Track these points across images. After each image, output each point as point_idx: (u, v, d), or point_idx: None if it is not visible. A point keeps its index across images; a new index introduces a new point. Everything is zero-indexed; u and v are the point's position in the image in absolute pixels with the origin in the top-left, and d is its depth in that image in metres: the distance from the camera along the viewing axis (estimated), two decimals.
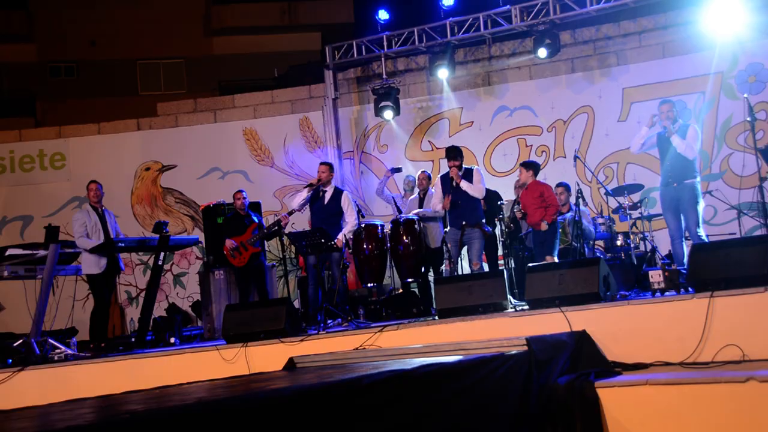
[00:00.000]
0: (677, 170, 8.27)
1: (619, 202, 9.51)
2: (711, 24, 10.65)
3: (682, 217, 8.28)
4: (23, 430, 3.50)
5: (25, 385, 7.38)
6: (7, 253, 8.52)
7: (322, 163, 9.62)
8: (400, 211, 9.90)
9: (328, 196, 9.35)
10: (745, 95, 9.01)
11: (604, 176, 12.03)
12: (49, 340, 8.40)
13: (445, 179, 9.07)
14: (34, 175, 13.90)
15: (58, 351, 8.25)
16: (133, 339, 8.95)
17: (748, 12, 10.31)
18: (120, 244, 9.03)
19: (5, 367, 7.75)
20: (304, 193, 9.34)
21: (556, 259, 8.66)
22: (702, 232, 8.21)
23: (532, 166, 9.29)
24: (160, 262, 8.97)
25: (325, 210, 9.29)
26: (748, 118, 8.55)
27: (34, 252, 8.55)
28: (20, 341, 8.31)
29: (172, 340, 9.56)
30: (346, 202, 9.30)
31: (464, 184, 8.86)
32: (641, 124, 11.89)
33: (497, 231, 9.49)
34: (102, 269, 8.99)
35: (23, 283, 8.94)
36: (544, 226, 8.80)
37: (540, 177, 10.98)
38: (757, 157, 8.57)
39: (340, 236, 9.11)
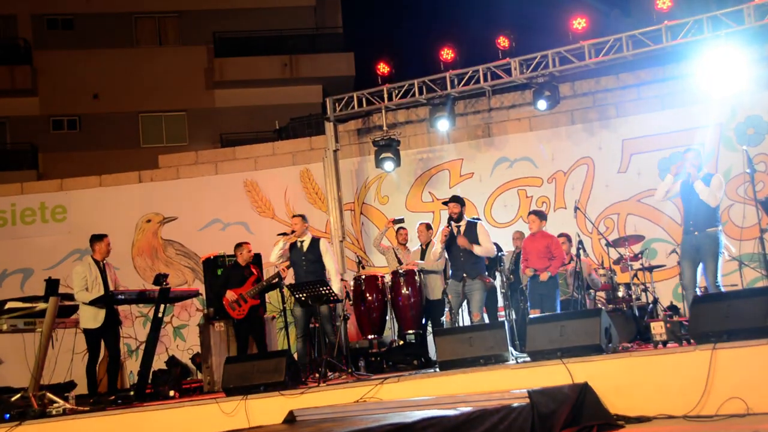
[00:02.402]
0: (700, 218, 8.21)
1: (620, 253, 9.51)
2: (709, 77, 10.73)
3: (701, 267, 8.22)
4: None
5: None
6: (7, 307, 8.48)
7: (294, 216, 9.67)
8: (400, 263, 9.89)
9: (305, 246, 9.35)
10: (745, 147, 9.06)
11: (604, 227, 12.04)
12: (48, 394, 8.33)
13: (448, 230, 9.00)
14: (35, 228, 13.92)
15: (56, 405, 8.16)
16: (132, 392, 8.86)
17: (745, 65, 10.40)
18: (120, 296, 9.01)
19: (3, 422, 7.67)
20: (279, 244, 9.36)
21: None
22: (720, 283, 8.15)
23: (543, 216, 9.33)
24: (160, 315, 8.93)
25: (305, 260, 9.28)
26: (748, 170, 8.58)
27: (34, 305, 8.52)
28: (18, 395, 8.23)
29: (172, 393, 9.47)
30: (324, 248, 9.30)
31: (477, 249, 8.81)
32: (641, 175, 12.05)
33: (497, 282, 9.47)
34: (100, 323, 8.93)
35: (22, 337, 8.88)
36: (545, 276, 8.79)
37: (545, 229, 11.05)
38: (757, 209, 8.58)
39: (335, 280, 9.10)
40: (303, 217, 9.56)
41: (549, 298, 8.93)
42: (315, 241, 9.41)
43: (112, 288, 9.09)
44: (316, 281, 8.91)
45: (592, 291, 9.29)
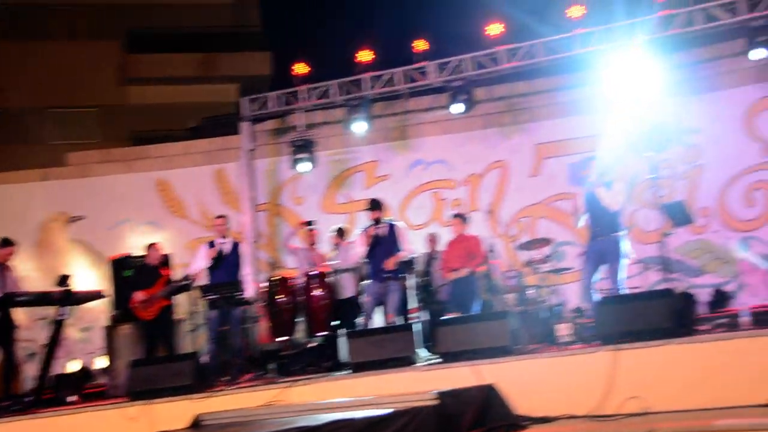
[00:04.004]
0: (604, 223, 8.44)
1: (529, 256, 9.66)
2: (617, 84, 11.02)
3: (604, 269, 8.42)
4: None
5: None
6: None
7: (218, 217, 9.57)
8: (313, 264, 9.85)
9: (228, 248, 9.27)
10: (649, 153, 9.32)
11: (516, 230, 12.23)
12: None
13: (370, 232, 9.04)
14: None
15: None
16: (29, 398, 8.54)
17: (652, 73, 10.71)
18: (19, 298, 8.67)
19: None
20: (202, 252, 9.29)
21: None
22: (623, 286, 8.36)
23: (466, 219, 9.47)
24: (62, 317, 8.65)
25: (225, 262, 9.20)
26: (651, 176, 8.83)
27: None
28: None
29: (73, 398, 9.19)
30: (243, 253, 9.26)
31: (403, 256, 8.91)
32: (553, 179, 12.28)
33: (410, 284, 9.52)
34: None
35: None
36: (465, 272, 8.93)
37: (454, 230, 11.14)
38: (659, 213, 8.83)
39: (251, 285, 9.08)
40: (226, 217, 9.52)
41: (469, 299, 9.04)
42: (236, 245, 9.32)
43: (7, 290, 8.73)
44: (228, 283, 8.82)
45: (501, 293, 9.41)
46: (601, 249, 8.43)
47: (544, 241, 9.82)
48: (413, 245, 9.47)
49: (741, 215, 11.39)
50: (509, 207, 12.52)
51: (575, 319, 8.30)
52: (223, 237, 9.34)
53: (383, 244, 8.96)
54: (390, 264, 8.83)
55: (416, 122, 13.27)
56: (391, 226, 9.09)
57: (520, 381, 6.57)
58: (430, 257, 10.44)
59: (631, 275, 9.34)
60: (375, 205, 9.12)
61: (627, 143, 11.86)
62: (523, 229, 12.30)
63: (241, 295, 8.75)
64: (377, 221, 9.01)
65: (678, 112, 11.70)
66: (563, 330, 7.45)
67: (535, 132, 12.63)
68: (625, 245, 8.43)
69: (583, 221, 8.69)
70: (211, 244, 9.31)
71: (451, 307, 9.15)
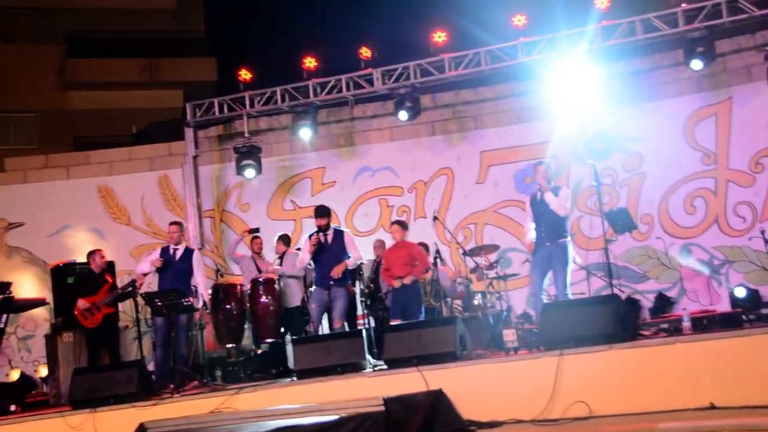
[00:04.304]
0: (551, 229, 8.55)
1: (476, 262, 9.73)
2: (562, 93, 11.17)
3: (550, 276, 8.52)
4: None
5: None
6: None
7: (171, 224, 9.49)
8: (259, 271, 9.80)
9: (179, 254, 9.19)
10: (592, 161, 9.47)
11: (462, 237, 12.31)
12: None
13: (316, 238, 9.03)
14: None
15: None
16: None
17: (594, 82, 10.90)
18: None
19: None
20: (149, 257, 9.20)
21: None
22: (569, 291, 8.48)
23: (405, 226, 9.50)
24: (2, 325, 8.48)
25: (176, 269, 9.11)
26: (594, 183, 8.98)
27: None
28: None
29: (13, 407, 8.98)
30: (197, 260, 9.17)
31: (351, 263, 8.98)
32: (498, 186, 12.41)
33: (357, 290, 9.52)
34: None
35: None
36: (409, 280, 8.94)
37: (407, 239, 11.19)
38: (603, 220, 8.98)
39: (203, 293, 8.99)
40: (180, 224, 9.42)
41: (413, 306, 9.06)
42: (188, 252, 9.24)
43: None
44: (173, 290, 8.73)
45: (448, 299, 9.47)
46: (548, 255, 8.54)
47: (491, 248, 9.91)
48: (360, 252, 9.48)
49: (682, 222, 11.61)
50: (456, 214, 12.59)
51: (522, 324, 8.41)
52: (176, 244, 9.25)
53: (330, 251, 8.97)
54: (336, 272, 8.83)
55: (363, 129, 13.28)
56: (338, 233, 9.10)
57: (467, 386, 6.63)
58: (377, 264, 10.45)
59: (575, 281, 9.47)
60: (322, 212, 9.12)
61: (570, 151, 12.04)
62: (470, 235, 12.40)
63: (187, 302, 8.65)
64: (324, 228, 9.01)
65: (620, 121, 11.90)
66: (510, 336, 7.51)
67: (481, 139, 12.73)
68: (571, 251, 8.56)
69: (531, 229, 8.78)
70: (165, 250, 9.22)
71: (396, 314, 9.18)
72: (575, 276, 9.78)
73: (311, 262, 9.13)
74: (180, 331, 8.87)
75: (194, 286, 9.14)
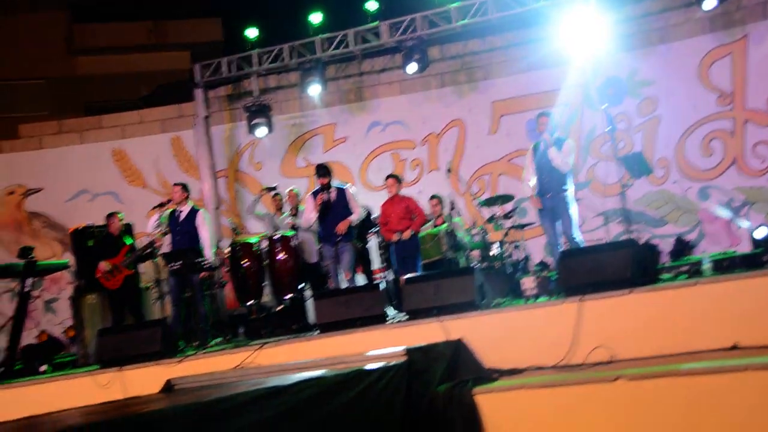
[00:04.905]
0: (552, 181, 8.59)
1: (491, 213, 9.74)
2: (571, 39, 11.05)
3: (559, 224, 8.59)
4: None
5: None
6: None
7: (175, 184, 9.51)
8: (277, 229, 9.85)
9: (183, 215, 9.23)
10: (605, 106, 9.42)
11: (476, 188, 12.31)
12: None
13: (318, 195, 9.12)
14: None
15: None
16: (0, 369, 8.51)
17: (605, 26, 10.76)
18: None
19: None
20: (155, 216, 9.24)
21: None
22: (578, 235, 8.55)
23: (400, 179, 9.59)
24: (26, 289, 8.59)
25: (180, 230, 9.16)
26: (608, 129, 8.94)
27: None
28: None
29: (43, 368, 9.17)
30: (200, 220, 9.19)
31: (354, 219, 9.09)
32: (511, 135, 12.36)
33: (373, 244, 9.57)
34: None
35: None
36: (408, 234, 9.04)
37: (415, 190, 11.23)
38: (618, 166, 8.95)
39: (208, 253, 9.04)
40: (184, 186, 9.42)
41: (411, 259, 9.17)
42: (193, 212, 9.27)
43: None
44: (188, 249, 8.79)
45: (465, 250, 9.49)
46: (552, 206, 8.60)
47: (506, 198, 9.91)
48: (374, 206, 9.55)
49: (699, 165, 11.56)
50: (469, 165, 12.58)
51: (540, 273, 8.40)
52: (180, 204, 9.27)
53: (334, 208, 9.06)
54: (341, 228, 8.93)
55: (372, 84, 13.23)
56: (341, 190, 9.18)
57: (487, 335, 6.67)
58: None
59: (593, 228, 9.52)
60: (323, 171, 9.22)
61: (582, 97, 11.96)
62: (484, 186, 12.40)
63: (202, 261, 8.73)
64: (326, 186, 9.09)
65: (632, 65, 11.81)
66: (528, 284, 7.54)
67: (491, 89, 12.66)
68: (573, 201, 8.59)
69: (533, 180, 8.80)
70: (173, 212, 9.26)
71: (398, 269, 9.27)
72: (593, 222, 9.88)
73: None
74: (196, 290, 8.96)
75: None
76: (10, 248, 12.69)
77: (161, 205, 9.28)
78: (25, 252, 8.62)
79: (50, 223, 13.13)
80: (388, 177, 9.84)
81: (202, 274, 9.02)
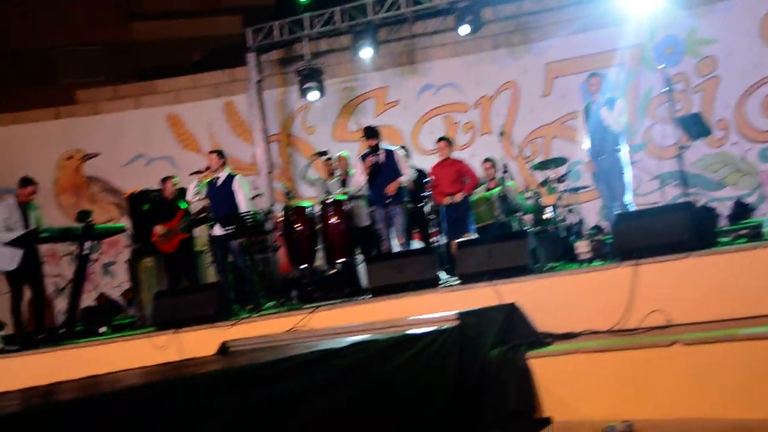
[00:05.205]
0: (605, 142, 8.46)
1: (545, 176, 9.64)
2: None
3: (613, 187, 8.48)
4: None
5: None
6: None
7: (210, 152, 9.55)
8: (329, 193, 9.86)
9: (220, 182, 9.28)
10: (663, 66, 9.21)
11: (530, 151, 12.18)
12: None
13: (367, 158, 9.12)
14: None
15: None
16: (61, 330, 8.74)
17: None
18: (43, 234, 8.79)
19: None
20: (194, 182, 9.31)
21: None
22: (629, 200, 8.42)
23: (451, 142, 9.52)
24: (85, 252, 8.76)
25: (218, 195, 9.23)
26: (666, 90, 8.74)
27: None
28: None
29: (102, 329, 9.38)
30: (237, 185, 9.22)
31: (404, 180, 9.04)
32: (565, 98, 12.18)
33: (425, 208, 9.54)
34: (17, 264, 8.69)
35: None
36: (459, 197, 8.98)
37: (467, 153, 11.15)
38: (676, 128, 8.77)
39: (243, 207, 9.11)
40: (219, 152, 9.46)
41: (462, 222, 9.12)
42: (229, 178, 9.32)
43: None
44: (232, 215, 8.86)
45: (518, 213, 9.42)
46: (606, 168, 8.47)
47: (559, 161, 9.79)
48: (425, 169, 9.51)
49: (759, 125, 11.26)
50: (522, 128, 12.45)
51: (594, 236, 8.30)
52: (217, 171, 9.32)
53: (383, 170, 9.03)
54: (391, 189, 8.91)
55: (424, 46, 13.11)
56: (389, 153, 9.15)
57: (541, 299, 6.61)
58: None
59: (649, 191, 9.36)
60: (371, 132, 9.18)
61: (639, 58, 11.71)
62: (538, 149, 12.26)
63: (256, 225, 8.80)
64: (375, 149, 9.06)
65: (691, 23, 11.51)
66: (582, 248, 7.46)
67: (545, 51, 12.47)
68: (626, 162, 8.44)
69: (586, 142, 8.67)
70: (211, 180, 9.33)
71: (449, 233, 9.23)
72: (649, 186, 9.70)
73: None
74: (236, 256, 9.05)
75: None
76: (69, 212, 12.99)
77: (199, 172, 9.35)
78: (84, 216, 8.78)
79: (107, 188, 13.37)
80: (439, 140, 9.79)
81: (253, 238, 9.09)
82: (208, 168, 9.27)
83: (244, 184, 9.32)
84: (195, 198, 9.29)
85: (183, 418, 3.55)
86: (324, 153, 10.23)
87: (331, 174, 10.13)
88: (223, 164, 9.32)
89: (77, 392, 4.30)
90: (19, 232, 8.67)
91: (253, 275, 9.05)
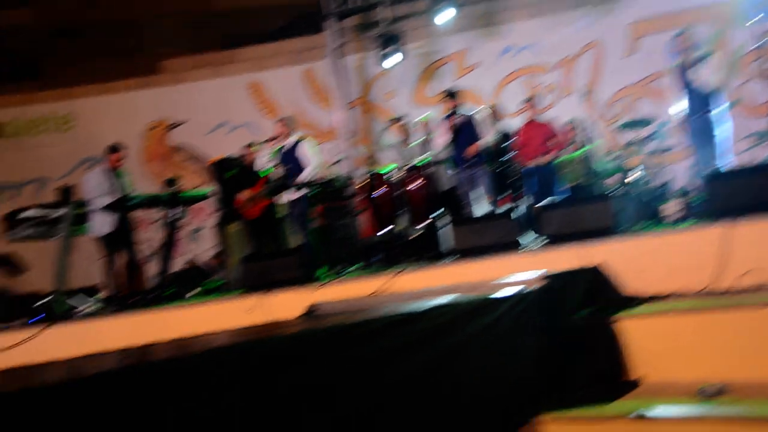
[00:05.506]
0: (695, 102, 8.24)
1: (630, 137, 9.44)
2: None
3: (703, 147, 8.27)
4: (52, 379, 3.53)
5: (51, 342, 7.41)
6: (23, 215, 8.57)
7: (277, 120, 9.65)
8: (406, 157, 9.86)
9: (289, 147, 9.34)
10: (754, 21, 8.89)
11: (614, 112, 11.93)
12: (72, 297, 8.48)
13: (447, 120, 9.09)
14: (45, 138, 13.94)
15: (80, 308, 8.32)
16: (153, 294, 8.99)
17: None
18: (132, 201, 9.04)
19: (33, 324, 7.80)
20: (265, 151, 9.40)
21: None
22: (722, 158, 8.22)
23: (539, 103, 9.38)
24: (173, 218, 8.97)
25: (289, 161, 9.32)
26: (757, 46, 8.45)
27: (50, 212, 8.59)
28: (44, 300, 8.37)
29: (192, 293, 9.62)
30: (302, 150, 9.30)
31: (483, 143, 8.96)
32: (649, 58, 11.86)
33: (508, 170, 9.47)
34: (112, 228, 8.97)
35: (44, 244, 9.03)
36: (546, 159, 8.88)
37: (549, 115, 10.97)
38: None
39: (304, 176, 9.14)
40: (287, 120, 9.55)
41: (548, 184, 9.01)
42: (298, 143, 9.38)
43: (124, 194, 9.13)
44: (318, 178, 8.98)
45: (603, 175, 9.27)
46: (696, 128, 8.24)
47: (645, 122, 9.56)
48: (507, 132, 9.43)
49: None
50: (606, 88, 12.20)
51: (682, 197, 8.12)
52: (286, 138, 9.39)
53: (464, 133, 8.98)
54: (471, 152, 8.85)
55: (504, 8, 12.93)
56: (470, 115, 9.10)
57: (627, 261, 6.50)
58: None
59: (741, 150, 9.08)
60: (451, 95, 9.14)
61: (729, 14, 11.32)
62: (622, 110, 12.00)
63: (336, 190, 8.91)
64: (455, 111, 9.02)
65: None
66: (670, 209, 7.31)
67: (629, 9, 12.16)
68: (719, 120, 8.20)
69: (676, 101, 8.46)
70: (281, 147, 9.43)
71: (536, 195, 9.13)
72: (740, 145, 9.35)
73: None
74: (298, 219, 9.16)
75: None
76: (157, 180, 13.30)
77: (269, 141, 9.45)
78: (170, 183, 8.98)
79: (192, 156, 13.64)
80: (526, 100, 9.67)
81: (335, 203, 9.19)
82: (277, 136, 9.38)
83: (312, 148, 9.41)
84: (267, 165, 9.45)
85: (270, 377, 3.62)
86: (400, 119, 10.22)
87: (407, 139, 10.11)
88: (291, 131, 9.42)
89: (170, 352, 4.42)
90: (112, 198, 8.93)
91: (313, 239, 9.15)
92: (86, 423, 2.81)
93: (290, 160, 9.33)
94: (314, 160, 9.35)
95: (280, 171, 9.48)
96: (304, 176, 9.29)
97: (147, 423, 3.00)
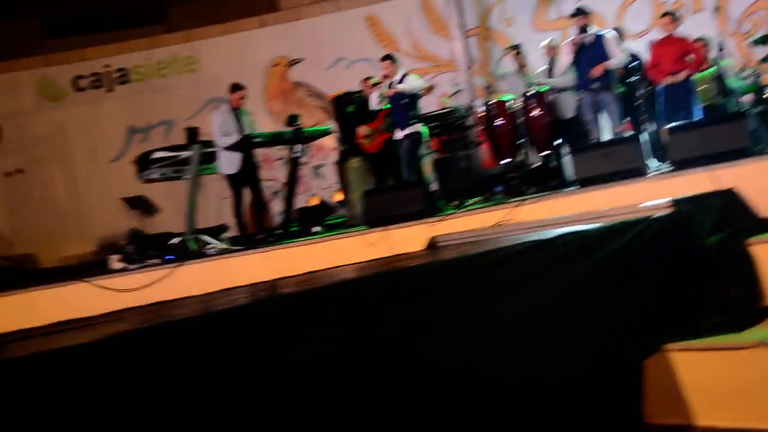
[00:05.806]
0: None
1: (765, 52, 8.93)
2: None
3: None
4: (186, 314, 3.69)
5: (184, 279, 7.74)
6: (154, 156, 8.90)
7: (381, 59, 9.43)
8: (525, 86, 9.64)
9: (395, 84, 9.20)
10: None
11: (748, 26, 11.28)
12: (203, 236, 8.79)
13: (577, 44, 8.76)
14: (171, 80, 14.38)
15: (210, 246, 8.61)
16: (279, 231, 9.22)
17: None
18: (256, 140, 9.21)
19: (166, 263, 8.15)
20: (375, 92, 9.36)
21: None
22: None
23: (677, 17, 8.92)
24: (296, 155, 9.11)
25: (396, 100, 9.20)
26: None
27: (178, 153, 8.88)
28: (176, 239, 8.71)
29: (316, 229, 9.81)
30: (407, 85, 9.11)
31: (612, 63, 8.60)
32: None
33: (638, 93, 9.13)
34: (237, 168, 9.18)
35: (175, 184, 9.38)
36: (682, 77, 8.46)
37: (678, 33, 10.47)
38: None
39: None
40: (392, 58, 9.40)
41: (684, 104, 8.60)
42: (403, 77, 9.28)
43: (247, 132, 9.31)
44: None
45: (736, 94, 8.83)
46: None
47: None
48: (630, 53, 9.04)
49: None
50: (739, 2, 11.51)
51: None
52: (394, 76, 9.27)
53: (590, 52, 8.64)
54: (596, 72, 8.52)
55: None
56: (599, 35, 8.73)
57: (762, 183, 6.22)
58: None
59: None
60: (580, 12, 8.79)
61: None
62: (757, 24, 11.33)
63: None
64: (583, 29, 8.69)
65: None
66: None
67: None
68: None
69: None
70: (390, 85, 9.33)
71: (666, 115, 8.74)
72: None
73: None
74: (407, 154, 9.13)
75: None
76: (279, 118, 13.53)
77: (377, 84, 9.38)
78: (292, 120, 9.09)
79: (313, 92, 13.78)
80: (663, 14, 9.16)
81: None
82: (385, 77, 9.30)
83: (415, 82, 9.27)
84: (378, 107, 9.41)
85: (396, 309, 3.67)
86: (516, 47, 9.97)
87: (522, 67, 9.85)
88: (397, 68, 9.31)
89: (298, 286, 4.54)
90: (236, 137, 9.13)
91: (416, 174, 9.10)
92: (220, 354, 2.94)
93: (397, 98, 9.27)
94: (417, 91, 9.25)
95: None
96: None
97: (283, 352, 3.10)
